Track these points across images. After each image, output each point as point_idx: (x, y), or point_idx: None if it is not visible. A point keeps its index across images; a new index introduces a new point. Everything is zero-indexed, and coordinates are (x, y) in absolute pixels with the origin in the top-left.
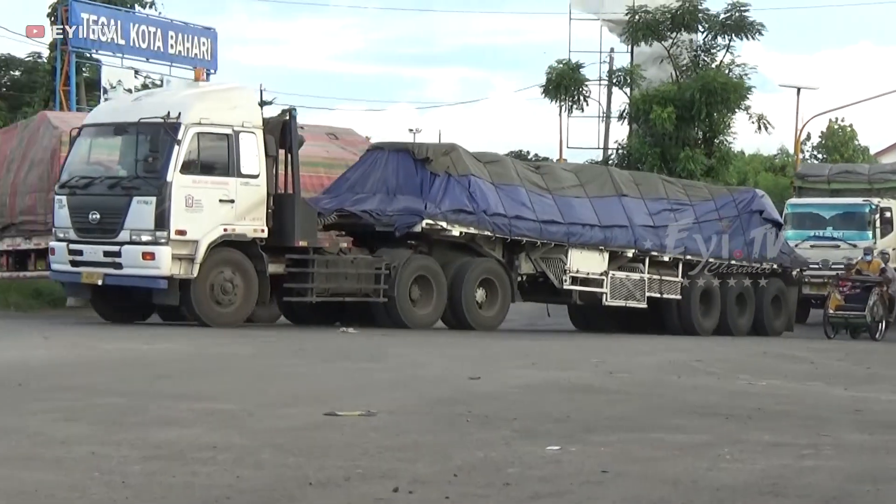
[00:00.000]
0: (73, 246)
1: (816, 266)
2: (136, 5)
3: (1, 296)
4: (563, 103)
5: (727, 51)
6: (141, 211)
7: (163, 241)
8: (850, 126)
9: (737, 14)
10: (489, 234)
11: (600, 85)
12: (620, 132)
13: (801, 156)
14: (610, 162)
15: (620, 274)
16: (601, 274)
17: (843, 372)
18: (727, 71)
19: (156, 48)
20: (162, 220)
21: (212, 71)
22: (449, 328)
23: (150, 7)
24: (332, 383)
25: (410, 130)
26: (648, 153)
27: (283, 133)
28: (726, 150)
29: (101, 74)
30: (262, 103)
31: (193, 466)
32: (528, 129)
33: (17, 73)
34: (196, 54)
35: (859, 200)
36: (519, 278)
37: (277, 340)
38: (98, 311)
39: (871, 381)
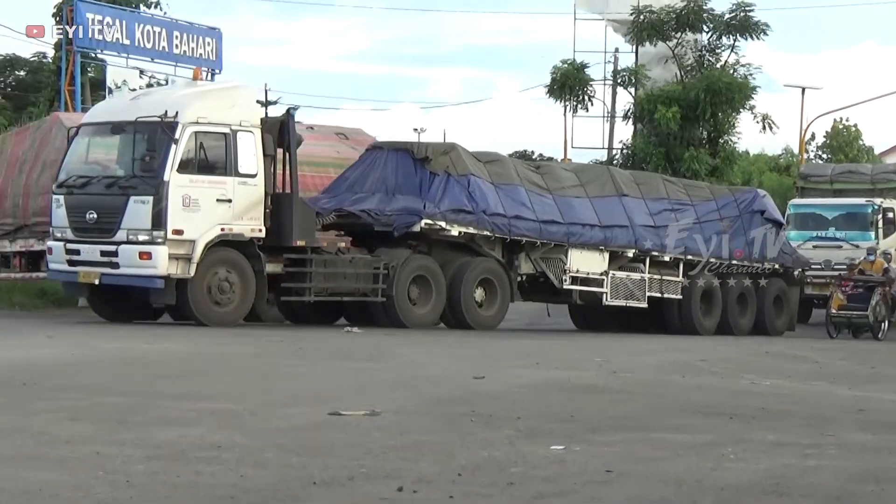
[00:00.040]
0: (70, 245)
1: (819, 266)
2: (141, 5)
3: (6, 295)
4: (567, 103)
5: (732, 51)
6: (138, 210)
7: (159, 240)
8: (855, 126)
9: (742, 14)
10: (488, 233)
11: (605, 85)
12: (625, 132)
13: (805, 156)
14: (614, 162)
15: (621, 274)
16: (601, 274)
17: (846, 372)
18: (732, 71)
19: (161, 48)
20: (159, 220)
21: (217, 71)
22: (448, 328)
23: (155, 7)
24: (335, 383)
25: (415, 130)
26: (653, 153)
27: (281, 132)
28: (731, 150)
29: (107, 74)
30: (267, 103)
31: (197, 466)
32: (532, 129)
33: (22, 73)
34: (201, 54)
35: (862, 201)
36: (519, 278)
37: (279, 340)
38: (96, 310)
39: (875, 380)
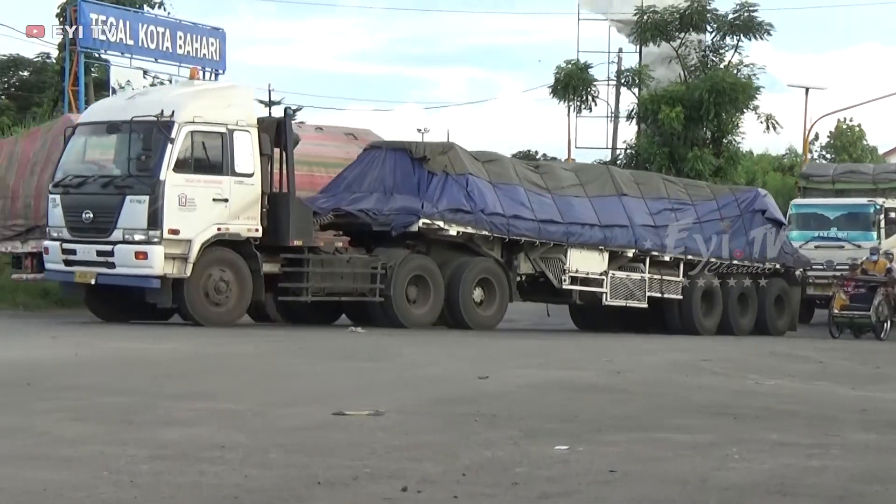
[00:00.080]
0: (66, 245)
1: (821, 267)
2: (145, 6)
3: (10, 296)
4: (571, 103)
5: (736, 51)
6: (134, 210)
7: (155, 240)
8: (859, 126)
9: (745, 14)
10: (487, 233)
11: (608, 85)
12: (629, 132)
13: (809, 156)
14: (618, 162)
15: (621, 274)
16: (601, 274)
17: (849, 372)
18: (735, 71)
19: (164, 48)
20: (155, 220)
21: (220, 71)
22: (447, 328)
23: (159, 7)
24: (338, 383)
25: (419, 130)
26: (657, 153)
27: (278, 132)
28: (735, 150)
29: (110, 75)
30: (270, 103)
31: (201, 466)
32: (536, 129)
33: (25, 73)
34: (204, 55)
35: (864, 200)
36: (518, 278)
37: (280, 340)
38: (92, 310)
39: (878, 380)
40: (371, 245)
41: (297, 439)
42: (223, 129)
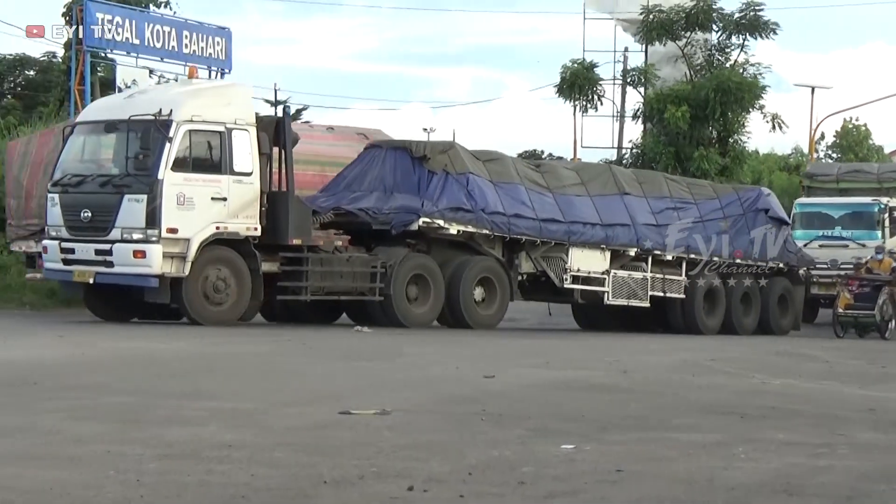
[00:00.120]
0: (65, 244)
1: (825, 266)
2: (151, 5)
3: (16, 295)
4: (577, 103)
5: (741, 50)
6: (132, 209)
7: (154, 239)
8: (865, 125)
9: (751, 13)
10: (487, 232)
11: (614, 84)
12: (634, 131)
13: (815, 155)
14: (624, 161)
15: (622, 273)
16: (603, 273)
17: (857, 371)
18: (741, 70)
19: (170, 48)
20: (153, 219)
21: (226, 70)
22: (447, 327)
23: (165, 7)
24: (344, 382)
25: (424, 130)
26: (663, 152)
27: (277, 131)
28: (741, 149)
29: (116, 74)
30: (276, 103)
31: (208, 465)
32: (542, 128)
33: (31, 72)
34: (210, 54)
35: (868, 200)
36: (520, 277)
37: (285, 339)
38: (91, 309)
39: (886, 380)
40: (371, 244)
41: (304, 438)
42: (222, 128)
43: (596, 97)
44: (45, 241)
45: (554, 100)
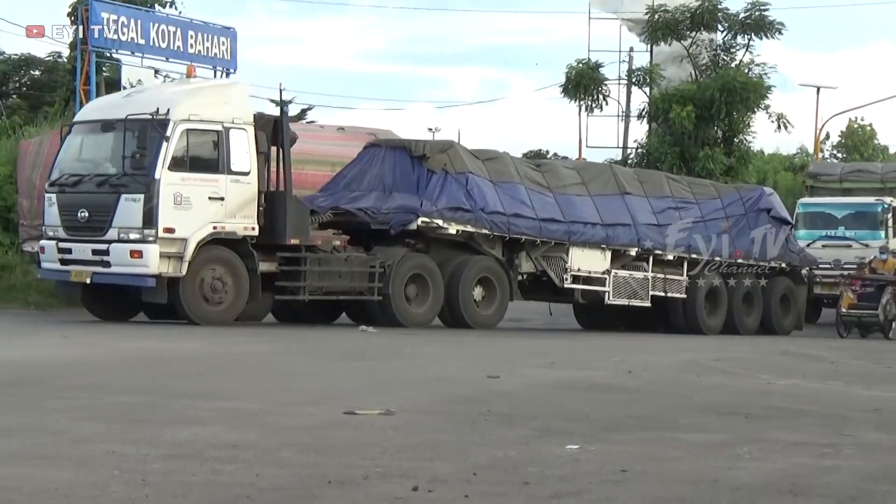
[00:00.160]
0: (62, 244)
1: (828, 266)
2: (157, 5)
3: (21, 295)
4: (582, 103)
5: (747, 50)
6: (129, 209)
7: (150, 239)
8: (870, 125)
9: (756, 13)
10: (487, 232)
11: (619, 84)
12: (640, 131)
13: (820, 155)
14: (629, 161)
15: (623, 273)
16: (603, 273)
17: (862, 371)
18: (747, 70)
19: (175, 48)
20: (150, 218)
21: (231, 70)
22: (446, 326)
23: (170, 7)
24: (349, 382)
25: (430, 129)
26: (668, 152)
27: (275, 130)
28: (746, 149)
29: (122, 74)
30: (282, 102)
31: (213, 465)
32: (547, 128)
33: (37, 72)
34: (216, 54)
35: (871, 199)
36: (520, 277)
37: (288, 339)
38: (89, 309)
39: (891, 380)
40: (370, 244)
41: (309, 438)
42: (219, 127)
43: (601, 97)
44: (43, 242)
45: (559, 100)
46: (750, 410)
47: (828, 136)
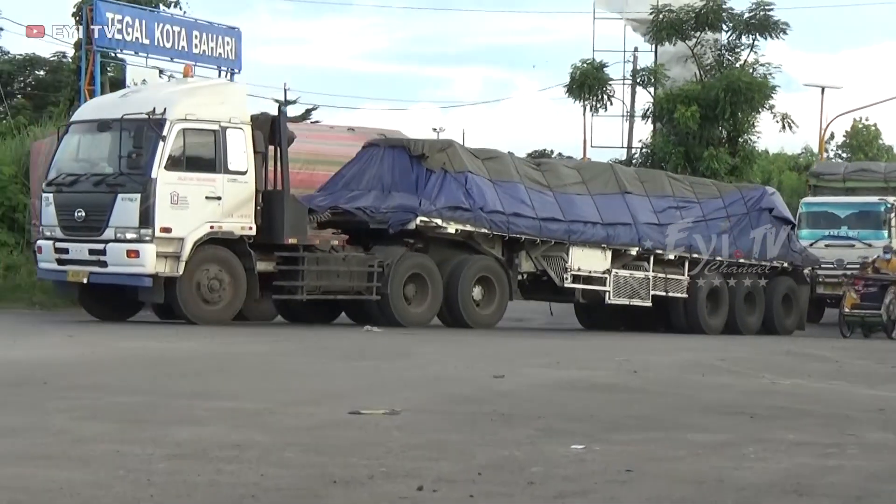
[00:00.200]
0: (59, 244)
1: (831, 266)
2: (161, 5)
3: (26, 295)
4: (586, 103)
5: (751, 50)
6: (126, 208)
7: (147, 238)
8: (875, 125)
9: (761, 13)
10: (486, 231)
11: (624, 84)
12: (644, 131)
13: (825, 155)
14: (634, 161)
15: (624, 272)
16: (604, 272)
17: (865, 371)
18: (751, 70)
19: (180, 48)
20: (146, 218)
21: (236, 70)
22: (446, 326)
23: (175, 6)
24: (352, 381)
25: (434, 129)
26: (672, 152)
27: (272, 129)
28: (750, 149)
29: (126, 74)
30: (286, 102)
31: (217, 465)
32: (551, 128)
33: (41, 72)
34: (220, 54)
35: (874, 199)
36: (520, 276)
37: (290, 339)
38: (87, 308)
39: (894, 380)
40: (369, 243)
41: (313, 438)
42: (216, 127)
43: (605, 97)
44: (40, 242)
45: (563, 100)
46: (754, 410)
47: (832, 136)
